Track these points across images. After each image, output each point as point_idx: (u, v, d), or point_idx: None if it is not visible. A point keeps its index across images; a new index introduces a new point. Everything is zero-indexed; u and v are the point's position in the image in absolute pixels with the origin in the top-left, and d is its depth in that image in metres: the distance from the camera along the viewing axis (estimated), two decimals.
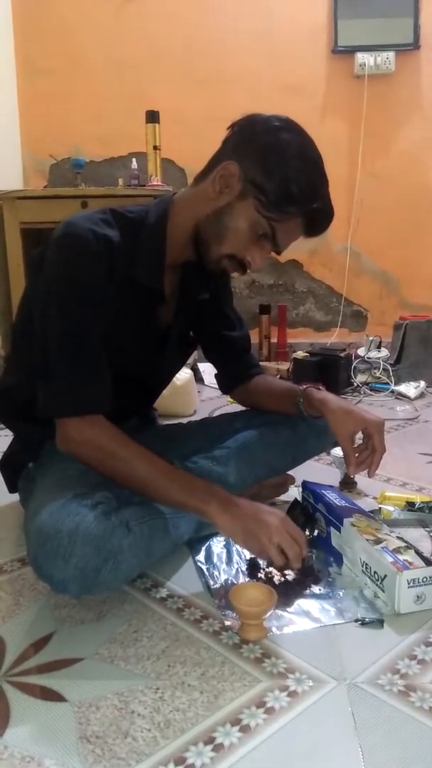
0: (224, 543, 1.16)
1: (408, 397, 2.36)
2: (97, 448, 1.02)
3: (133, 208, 1.12)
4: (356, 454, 1.16)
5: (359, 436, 1.18)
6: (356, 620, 0.94)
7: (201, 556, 1.12)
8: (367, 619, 0.94)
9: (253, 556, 1.12)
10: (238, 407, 1.46)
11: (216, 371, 1.41)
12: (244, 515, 0.98)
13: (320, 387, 1.28)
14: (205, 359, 1.42)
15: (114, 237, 1.04)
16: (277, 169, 1.00)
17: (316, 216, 1.06)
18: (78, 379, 1.01)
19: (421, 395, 2.40)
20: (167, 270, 1.12)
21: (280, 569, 1.03)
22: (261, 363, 2.94)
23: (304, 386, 1.27)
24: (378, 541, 1.03)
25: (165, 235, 1.09)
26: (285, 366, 2.69)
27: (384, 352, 2.71)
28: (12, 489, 1.27)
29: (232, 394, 1.42)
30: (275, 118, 1.04)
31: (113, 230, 1.05)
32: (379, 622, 0.94)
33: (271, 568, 1.07)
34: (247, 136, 1.03)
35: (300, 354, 2.53)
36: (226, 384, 1.41)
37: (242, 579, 1.05)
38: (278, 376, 2.72)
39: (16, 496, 1.27)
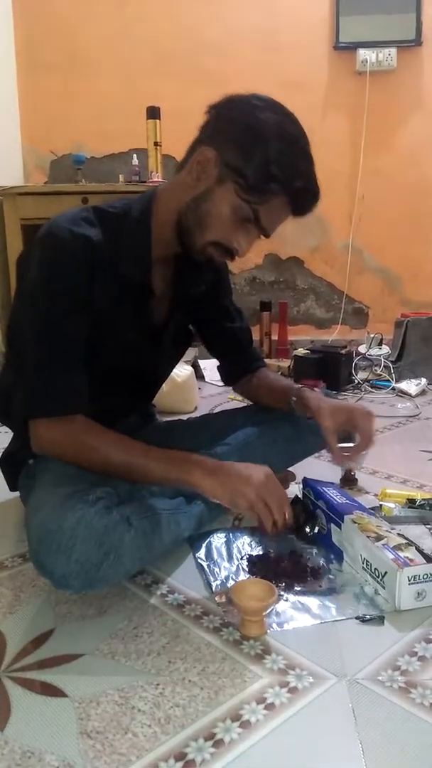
0: (225, 540, 1.16)
1: (409, 395, 2.36)
2: (70, 443, 1.03)
3: (117, 204, 1.11)
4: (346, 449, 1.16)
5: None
6: (357, 617, 0.94)
7: (201, 553, 1.12)
8: (367, 616, 0.94)
9: (252, 553, 1.12)
10: (238, 404, 1.46)
11: (219, 364, 1.41)
12: (228, 475, 1.00)
13: (316, 387, 1.28)
14: (206, 356, 1.42)
15: (94, 235, 1.03)
16: (255, 150, 0.98)
17: (300, 195, 1.02)
18: (51, 380, 1.02)
19: (422, 392, 2.40)
20: (158, 264, 1.11)
21: (270, 531, 1.02)
22: None
23: (299, 386, 1.28)
24: (379, 538, 1.02)
25: (149, 227, 1.08)
26: (286, 363, 2.69)
27: (385, 350, 2.70)
28: (12, 487, 1.27)
29: (235, 386, 1.42)
30: (254, 97, 1.02)
31: (94, 228, 1.04)
32: (380, 619, 0.94)
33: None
34: (224, 118, 1.02)
35: (301, 351, 2.53)
36: (228, 377, 1.41)
37: (243, 576, 1.05)
38: (279, 374, 2.71)
39: (16, 492, 1.27)
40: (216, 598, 0.99)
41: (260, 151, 0.98)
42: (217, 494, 1.00)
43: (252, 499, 0.97)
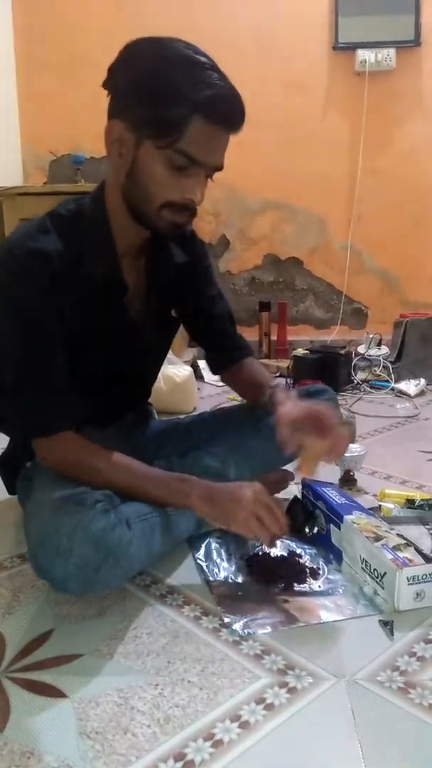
0: (224, 540, 1.16)
1: (408, 395, 2.36)
2: (70, 465, 1.04)
3: (70, 205, 1.08)
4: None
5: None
6: (380, 620, 0.94)
7: (201, 553, 1.12)
8: (387, 621, 0.93)
9: (251, 553, 1.12)
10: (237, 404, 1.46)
11: (205, 354, 1.39)
12: (222, 499, 1.00)
13: (300, 386, 1.25)
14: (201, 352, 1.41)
15: (50, 245, 1.00)
16: (146, 91, 0.93)
17: (214, 104, 0.92)
18: (40, 402, 1.02)
19: (422, 393, 2.40)
20: (125, 258, 1.09)
21: (269, 544, 1.03)
22: (261, 360, 2.95)
23: (276, 383, 1.25)
24: (378, 539, 1.03)
25: (107, 223, 1.06)
26: (285, 363, 2.69)
27: (384, 350, 2.70)
28: (10, 490, 1.27)
29: (221, 376, 1.40)
30: (124, 48, 0.97)
31: (51, 236, 1.02)
32: (391, 632, 0.92)
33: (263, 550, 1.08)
34: (114, 86, 0.99)
35: (300, 351, 2.53)
36: (214, 366, 1.39)
37: (242, 576, 1.05)
38: (278, 374, 2.72)
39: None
40: (216, 598, 0.99)
41: (155, 89, 0.92)
42: (214, 518, 1.02)
43: (244, 519, 0.98)
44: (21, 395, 1.03)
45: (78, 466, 1.03)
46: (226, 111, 0.94)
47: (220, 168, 1.00)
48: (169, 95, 0.91)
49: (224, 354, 1.35)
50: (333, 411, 1.11)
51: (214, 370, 1.40)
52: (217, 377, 1.42)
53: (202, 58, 0.94)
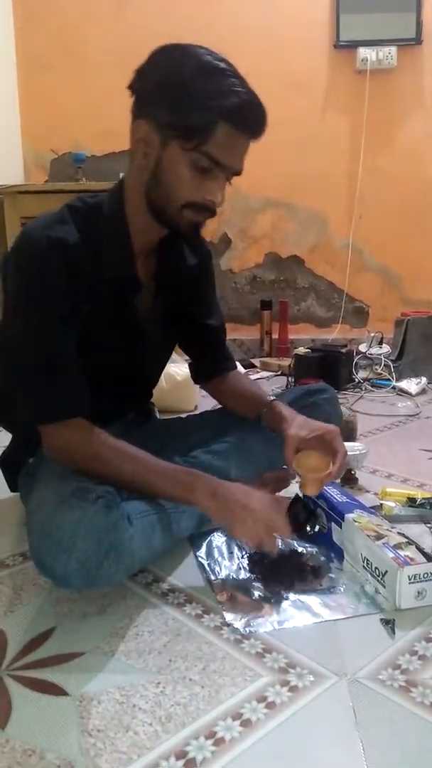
0: (225, 538, 1.16)
1: (409, 394, 2.36)
2: (79, 452, 1.03)
3: (89, 199, 1.10)
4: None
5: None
6: (381, 619, 0.94)
7: (202, 552, 1.13)
8: (388, 619, 0.93)
9: (253, 552, 1.12)
10: None
11: (190, 361, 1.39)
12: (229, 501, 1.00)
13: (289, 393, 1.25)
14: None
15: (70, 236, 1.02)
16: (178, 96, 0.96)
17: (240, 112, 0.97)
18: (52, 387, 1.02)
19: (423, 391, 2.40)
20: (140, 256, 1.10)
21: (274, 552, 1.05)
22: (263, 359, 2.95)
23: (272, 398, 1.25)
24: (379, 537, 1.03)
25: (125, 221, 1.07)
26: (286, 362, 2.69)
27: (385, 348, 2.70)
28: (12, 487, 1.27)
29: (203, 385, 1.39)
30: (154, 53, 1.00)
31: (69, 229, 1.03)
32: (392, 630, 0.92)
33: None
34: (141, 88, 1.01)
35: (301, 350, 2.53)
36: (198, 375, 1.38)
37: (243, 574, 1.05)
38: (279, 373, 2.72)
39: (16, 492, 1.27)
40: (217, 597, 0.99)
41: (183, 95, 0.96)
42: (217, 518, 1.03)
43: (251, 529, 0.99)
44: (33, 379, 1.03)
45: (85, 454, 1.03)
46: (252, 119, 0.99)
47: (239, 173, 1.04)
48: (199, 101, 0.95)
49: (212, 364, 1.35)
50: (338, 433, 1.13)
51: (198, 379, 1.39)
52: (198, 386, 1.41)
53: (229, 67, 0.98)
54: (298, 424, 1.14)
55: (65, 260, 1.01)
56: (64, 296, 1.01)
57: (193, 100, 0.95)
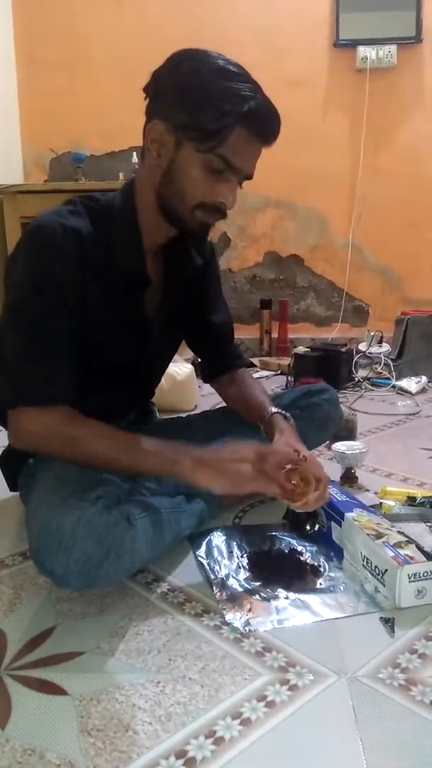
0: (225, 538, 1.16)
1: (409, 392, 2.36)
2: (56, 436, 1.02)
3: (101, 196, 1.11)
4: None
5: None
6: (381, 618, 0.94)
7: (202, 551, 1.13)
8: (388, 618, 0.93)
9: (252, 551, 1.12)
10: None
11: (199, 359, 1.40)
12: (220, 461, 0.99)
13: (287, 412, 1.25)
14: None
15: (83, 228, 1.03)
16: (195, 99, 0.98)
17: (255, 117, 0.98)
18: (33, 368, 1.01)
19: (423, 390, 2.40)
20: (148, 255, 1.11)
21: (295, 496, 1.02)
22: (262, 358, 2.94)
23: (274, 410, 1.23)
24: (379, 536, 1.03)
25: (136, 218, 1.08)
26: (286, 361, 2.69)
27: (385, 347, 2.70)
28: (12, 487, 1.27)
29: (211, 383, 1.40)
30: (171, 57, 1.02)
31: (83, 220, 1.04)
32: (392, 629, 0.92)
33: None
34: (158, 90, 1.03)
35: (301, 349, 2.53)
36: (207, 373, 1.39)
37: (243, 573, 1.05)
38: (279, 372, 2.72)
39: (16, 491, 1.27)
40: (217, 596, 0.99)
41: (200, 97, 0.97)
42: (214, 484, 0.99)
43: (252, 478, 0.98)
44: (22, 358, 1.02)
45: (63, 437, 1.01)
46: (266, 124, 1.00)
47: (250, 177, 1.05)
48: (216, 104, 0.96)
49: (219, 361, 1.36)
50: (317, 463, 1.09)
51: (207, 378, 1.40)
52: (206, 384, 1.42)
53: (243, 72, 1.00)
54: (283, 443, 1.12)
55: (78, 248, 1.02)
56: (72, 282, 1.02)
57: (209, 103, 0.96)
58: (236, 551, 1.12)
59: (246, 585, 1.02)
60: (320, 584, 1.03)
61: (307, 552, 1.12)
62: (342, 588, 1.02)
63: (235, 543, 1.15)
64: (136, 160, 2.69)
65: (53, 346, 1.02)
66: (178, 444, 1.04)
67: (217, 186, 1.02)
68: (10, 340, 1.03)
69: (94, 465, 1.02)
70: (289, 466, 1.02)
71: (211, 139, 0.98)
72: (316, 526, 1.18)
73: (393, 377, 2.47)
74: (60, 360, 1.03)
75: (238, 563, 1.09)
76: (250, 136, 1.00)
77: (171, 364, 2.09)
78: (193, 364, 2.22)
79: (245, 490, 1.03)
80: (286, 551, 1.12)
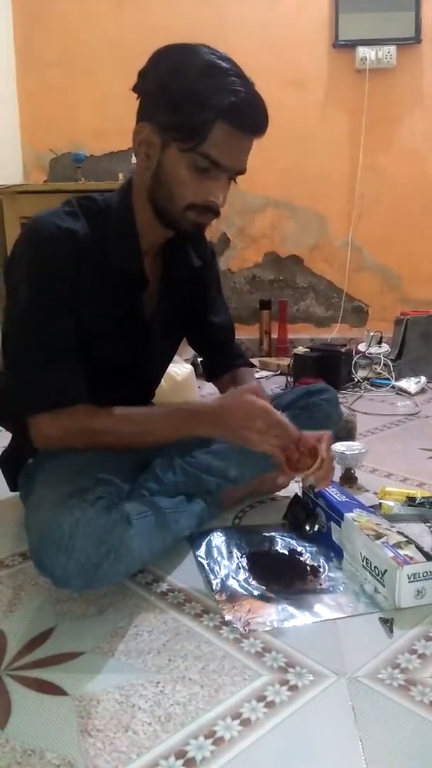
0: (225, 538, 1.16)
1: (409, 393, 2.36)
2: (78, 434, 1.04)
3: (98, 197, 1.11)
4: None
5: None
6: (380, 618, 0.94)
7: (201, 551, 1.13)
8: (387, 618, 0.93)
9: (252, 551, 1.12)
10: None
11: (201, 359, 1.41)
12: (233, 426, 1.01)
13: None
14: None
15: (79, 228, 1.04)
16: (172, 98, 0.97)
17: (237, 110, 0.95)
18: (49, 373, 1.02)
19: (422, 390, 2.40)
20: (146, 256, 1.11)
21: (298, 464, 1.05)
22: (262, 358, 2.94)
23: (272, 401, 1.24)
24: (378, 536, 1.03)
25: (133, 219, 1.09)
26: (285, 361, 2.69)
27: (385, 348, 2.70)
28: (12, 487, 1.27)
29: (214, 383, 1.40)
30: (153, 55, 1.01)
31: (79, 221, 1.05)
32: (390, 629, 0.92)
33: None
34: (143, 91, 1.02)
35: (300, 349, 2.53)
36: (209, 372, 1.40)
37: (242, 573, 1.05)
38: (279, 372, 2.72)
39: (16, 491, 1.27)
40: (216, 596, 0.99)
41: (181, 95, 0.96)
42: (230, 438, 1.05)
43: (259, 446, 1.01)
44: (28, 364, 1.02)
45: (85, 434, 1.04)
46: (249, 117, 0.98)
47: (242, 172, 1.04)
48: (194, 101, 0.95)
49: (220, 361, 1.37)
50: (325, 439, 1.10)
51: (208, 377, 1.40)
52: (210, 383, 1.42)
53: (227, 65, 0.97)
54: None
55: (74, 248, 1.02)
56: (69, 282, 1.02)
57: (189, 101, 0.95)
58: (236, 552, 1.12)
59: (246, 585, 1.02)
60: (320, 585, 1.03)
61: (306, 552, 1.12)
62: (342, 588, 1.02)
63: (234, 543, 1.15)
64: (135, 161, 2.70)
65: (60, 347, 1.03)
66: (189, 407, 1.08)
67: (205, 185, 1.01)
68: (16, 346, 1.03)
69: (120, 449, 1.06)
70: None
71: (193, 137, 0.96)
72: (316, 527, 1.19)
73: (392, 377, 2.47)
74: (67, 359, 1.03)
75: (237, 563, 1.09)
76: (233, 131, 0.97)
77: (171, 364, 2.10)
78: (192, 364, 2.22)
79: (253, 447, 1.03)
80: (286, 552, 1.12)
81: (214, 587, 1.02)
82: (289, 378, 2.47)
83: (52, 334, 1.02)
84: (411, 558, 0.96)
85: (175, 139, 0.98)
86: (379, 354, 2.63)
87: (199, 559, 1.11)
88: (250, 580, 1.04)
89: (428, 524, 1.24)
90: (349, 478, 1.47)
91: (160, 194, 1.03)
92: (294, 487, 1.37)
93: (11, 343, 1.04)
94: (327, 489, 1.21)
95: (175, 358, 2.19)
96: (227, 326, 1.36)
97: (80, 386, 1.04)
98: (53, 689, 0.81)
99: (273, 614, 0.95)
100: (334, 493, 1.19)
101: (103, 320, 1.09)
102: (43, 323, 1.02)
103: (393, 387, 2.42)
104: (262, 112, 0.99)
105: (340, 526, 1.10)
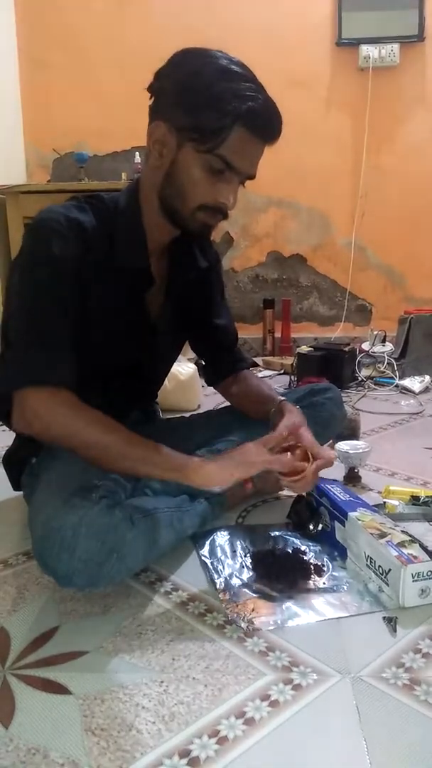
0: (228, 537, 1.16)
1: (412, 392, 2.35)
2: (60, 417, 0.98)
3: (105, 196, 1.11)
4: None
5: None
6: (384, 617, 0.94)
7: (205, 550, 1.13)
8: (391, 617, 0.93)
9: (255, 550, 1.12)
10: None
11: (203, 363, 1.40)
12: (225, 457, 1.02)
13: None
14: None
15: (87, 221, 1.04)
16: (196, 99, 0.97)
17: (255, 116, 0.98)
18: (36, 350, 0.99)
19: (426, 389, 2.40)
20: (152, 256, 1.11)
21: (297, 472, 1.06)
22: (266, 358, 2.94)
23: (281, 398, 1.23)
24: (382, 535, 1.02)
25: (140, 218, 1.09)
26: (289, 361, 2.69)
27: (388, 347, 2.70)
28: (15, 487, 1.27)
29: (216, 387, 1.39)
30: (173, 56, 1.02)
31: (87, 215, 1.05)
32: (393, 628, 0.92)
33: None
34: (159, 90, 1.03)
35: (304, 348, 2.53)
36: (211, 377, 1.38)
37: (246, 573, 1.05)
38: (282, 371, 2.72)
39: (20, 491, 1.27)
40: (220, 595, 0.99)
41: (200, 98, 0.97)
42: (221, 477, 0.99)
43: (257, 455, 1.01)
44: (22, 344, 1.01)
45: (65, 419, 0.98)
46: (266, 124, 1.00)
47: (252, 176, 1.05)
48: (215, 104, 0.96)
49: (223, 365, 1.36)
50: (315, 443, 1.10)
51: (211, 381, 1.39)
52: (210, 387, 1.41)
53: (247, 72, 0.99)
54: (294, 413, 1.15)
55: (80, 238, 1.02)
56: (74, 265, 1.02)
57: (209, 103, 0.96)
58: (239, 551, 1.12)
59: (249, 584, 1.02)
60: (324, 584, 1.03)
61: (310, 551, 1.12)
62: (345, 587, 1.02)
63: (238, 542, 1.15)
64: (139, 161, 2.70)
65: (55, 329, 1.01)
66: (183, 457, 1.01)
67: (217, 187, 1.02)
68: (15, 320, 1.03)
69: (93, 455, 0.99)
70: (291, 443, 1.06)
71: (210, 139, 0.98)
72: (320, 526, 1.18)
73: (396, 376, 2.47)
74: (62, 342, 1.01)
75: (241, 563, 1.09)
76: (250, 136, 0.99)
77: (175, 364, 2.10)
78: (196, 364, 2.22)
79: (253, 469, 1.02)
80: (290, 551, 1.12)
81: (217, 586, 1.02)
82: (292, 377, 2.47)
83: (52, 317, 1.01)
84: (415, 557, 0.96)
85: (191, 139, 0.99)
86: (383, 353, 2.62)
87: (203, 558, 1.11)
88: (254, 579, 1.04)
89: None
90: (353, 477, 1.47)
91: (172, 193, 1.04)
92: None
93: (11, 330, 1.04)
94: (331, 488, 1.21)
95: (180, 357, 2.20)
96: (230, 330, 1.35)
97: (70, 370, 1.01)
98: (57, 688, 0.81)
99: (277, 613, 0.95)
100: (338, 492, 1.19)
101: (108, 317, 1.09)
102: (43, 305, 1.01)
103: (397, 386, 2.42)
104: (277, 119, 1.01)
105: (344, 525, 1.10)
